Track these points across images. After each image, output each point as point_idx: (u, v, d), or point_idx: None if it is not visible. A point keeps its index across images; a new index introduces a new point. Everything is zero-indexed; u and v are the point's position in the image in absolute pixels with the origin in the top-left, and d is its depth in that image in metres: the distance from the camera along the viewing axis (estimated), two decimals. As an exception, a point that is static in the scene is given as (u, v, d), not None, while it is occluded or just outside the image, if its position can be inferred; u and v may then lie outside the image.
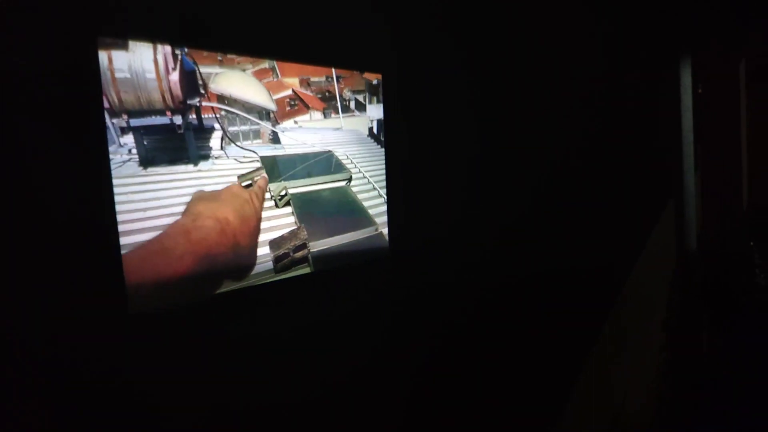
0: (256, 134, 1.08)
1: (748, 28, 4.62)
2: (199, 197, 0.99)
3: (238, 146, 1.04)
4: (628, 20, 2.92)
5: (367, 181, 1.33)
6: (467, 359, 1.80)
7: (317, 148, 1.21)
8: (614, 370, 2.74)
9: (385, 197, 1.40)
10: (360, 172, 1.31)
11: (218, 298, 1.06)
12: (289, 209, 1.16)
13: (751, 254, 4.48)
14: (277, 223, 1.14)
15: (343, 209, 1.29)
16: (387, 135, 1.41)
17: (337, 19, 1.32)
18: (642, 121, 3.17)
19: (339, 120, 1.25)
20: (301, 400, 1.29)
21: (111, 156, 0.82)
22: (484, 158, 1.90)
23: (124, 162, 0.85)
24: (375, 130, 1.35)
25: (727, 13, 4.37)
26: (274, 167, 1.12)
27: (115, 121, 0.83)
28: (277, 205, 1.14)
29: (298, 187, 1.17)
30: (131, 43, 0.83)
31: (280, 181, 1.12)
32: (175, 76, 0.93)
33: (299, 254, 1.17)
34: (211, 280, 1.05)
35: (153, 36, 0.88)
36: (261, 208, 1.13)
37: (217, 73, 1.00)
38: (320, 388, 1.33)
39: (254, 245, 1.12)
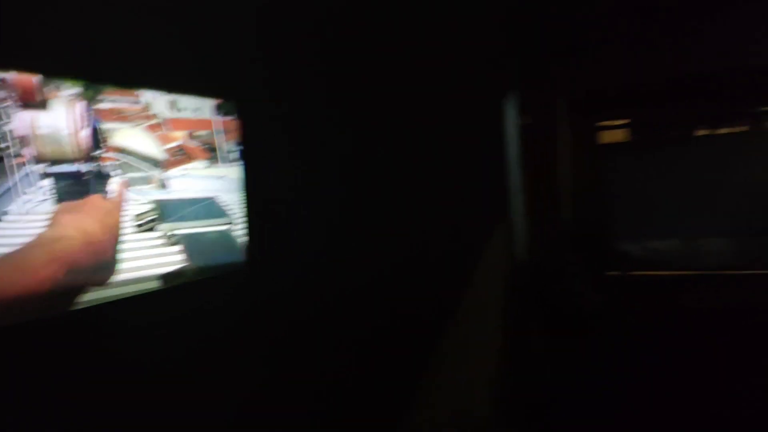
0: (147, 180, 1.22)
1: (568, 69, 5.34)
2: (63, 208, 1.10)
3: (131, 190, 1.19)
4: (459, 59, 3.33)
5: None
6: (316, 362, 2.00)
7: (200, 194, 1.37)
8: (458, 370, 3.07)
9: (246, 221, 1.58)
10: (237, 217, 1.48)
11: (77, 314, 1.16)
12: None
13: (570, 267, 5.16)
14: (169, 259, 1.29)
15: (223, 249, 1.45)
16: (243, 161, 1.59)
17: (194, 49, 1.48)
18: (475, 149, 3.61)
19: (223, 169, 1.43)
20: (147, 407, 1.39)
21: (30, 196, 0.95)
22: (331, 177, 2.12)
23: (42, 201, 0.97)
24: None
25: (548, 54, 5.04)
26: (161, 210, 1.27)
27: (35, 168, 0.96)
28: (140, 227, 1.27)
29: (181, 229, 1.32)
30: (49, 103, 0.97)
31: (167, 222, 1.28)
32: (84, 133, 1.10)
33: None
34: (74, 288, 1.15)
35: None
36: (120, 218, 1.25)
37: (116, 129, 1.16)
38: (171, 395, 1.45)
39: (115, 252, 1.24)
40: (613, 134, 7.75)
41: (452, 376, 3.00)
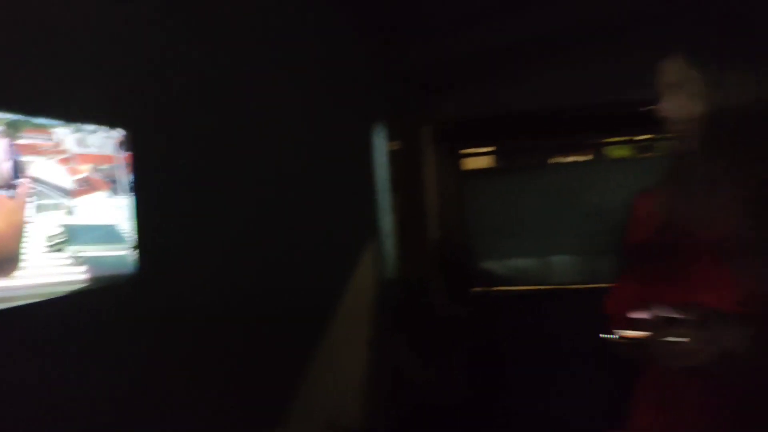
0: (57, 207, 1.44)
1: (434, 99, 5.75)
2: None
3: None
4: (330, 88, 3.55)
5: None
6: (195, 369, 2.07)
7: (102, 222, 1.52)
8: (327, 384, 3.22)
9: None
10: None
11: None
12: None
13: (436, 284, 5.51)
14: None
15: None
16: (136, 178, 1.70)
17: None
18: (346, 173, 3.84)
19: (123, 199, 1.58)
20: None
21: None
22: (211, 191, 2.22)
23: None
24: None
25: (416, 85, 5.40)
26: (69, 233, 1.46)
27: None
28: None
29: (86, 251, 1.46)
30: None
31: (73, 245, 1.40)
32: (6, 164, 1.30)
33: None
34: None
35: None
36: (23, 217, 1.35)
37: (32, 161, 1.39)
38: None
39: (18, 248, 1.33)
40: (477, 161, 8.34)
41: (322, 389, 3.15)
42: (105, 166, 1.56)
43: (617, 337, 1.09)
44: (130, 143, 1.67)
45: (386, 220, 4.61)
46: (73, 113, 1.49)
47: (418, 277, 5.05)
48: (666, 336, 1.01)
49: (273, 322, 2.59)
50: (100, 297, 1.58)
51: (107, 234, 1.57)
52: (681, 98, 1.22)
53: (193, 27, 2.13)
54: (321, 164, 3.32)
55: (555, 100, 5.93)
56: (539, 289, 7.71)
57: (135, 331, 1.73)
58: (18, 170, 1.32)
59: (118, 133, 1.64)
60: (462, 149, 7.80)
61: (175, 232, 1.95)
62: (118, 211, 1.62)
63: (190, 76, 2.11)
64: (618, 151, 7.97)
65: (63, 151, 1.44)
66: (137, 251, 1.67)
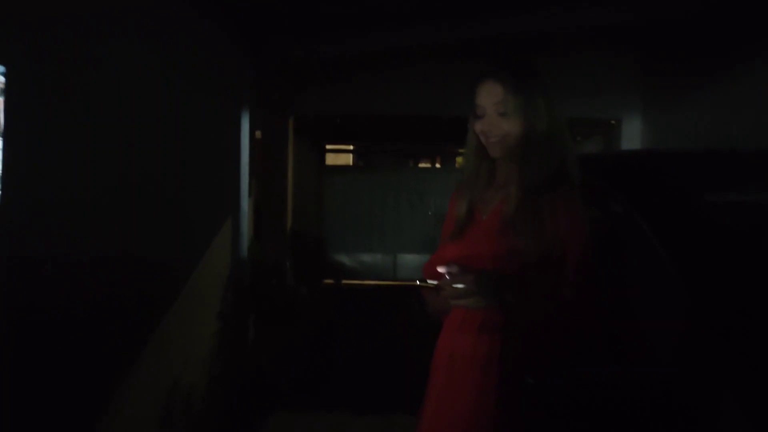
0: None
1: (296, 92, 6.02)
2: None
3: None
4: (200, 73, 3.73)
5: None
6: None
7: None
8: (174, 348, 3.39)
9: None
10: None
11: None
12: None
13: (286, 268, 5.79)
14: None
15: None
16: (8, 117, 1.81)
17: None
18: (212, 155, 4.03)
19: None
20: None
21: None
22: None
23: None
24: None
25: (281, 78, 5.65)
26: None
27: None
28: None
29: None
30: None
31: None
32: None
33: None
34: None
35: None
36: None
37: None
38: None
39: None
40: (337, 157, 8.74)
41: (169, 354, 3.29)
42: None
43: (424, 282, 1.45)
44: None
45: (244, 201, 4.82)
46: None
47: (272, 260, 5.29)
48: (452, 283, 1.39)
49: (126, 282, 2.71)
50: None
51: None
52: (488, 115, 1.52)
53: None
54: (188, 142, 3.49)
55: (410, 108, 6.40)
56: (384, 285, 8.24)
57: None
58: None
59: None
60: (323, 145, 8.18)
61: (39, 177, 2.03)
62: None
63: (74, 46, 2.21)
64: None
65: None
66: None
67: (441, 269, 1.40)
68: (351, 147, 8.99)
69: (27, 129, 1.97)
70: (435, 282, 1.42)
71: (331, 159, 8.66)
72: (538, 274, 1.47)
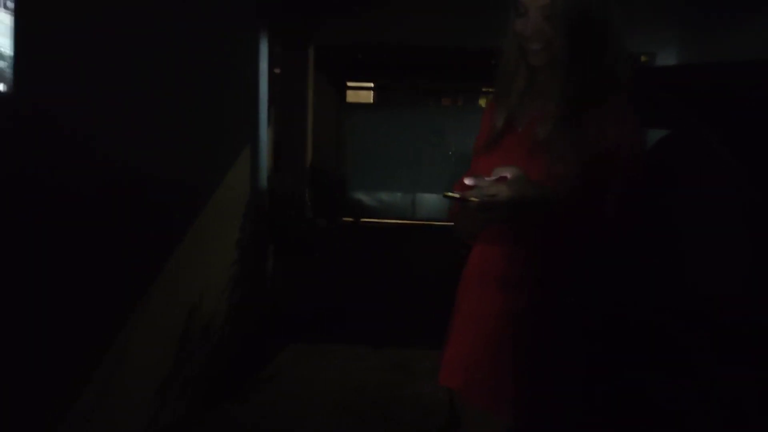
0: None
1: (316, 24, 5.82)
2: None
3: None
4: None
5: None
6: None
7: None
8: (192, 273, 3.37)
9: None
10: None
11: None
12: None
13: (305, 201, 5.73)
14: None
15: None
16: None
17: None
18: (231, 82, 3.92)
19: None
20: None
21: None
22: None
23: None
24: None
25: (301, 8, 5.45)
26: None
27: None
28: None
29: None
30: None
31: None
32: None
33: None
34: None
35: None
36: None
37: None
38: None
39: None
40: (357, 94, 8.54)
41: (188, 277, 3.28)
42: None
43: (453, 194, 1.26)
44: None
45: (263, 130, 4.72)
46: None
47: (291, 192, 5.23)
48: (482, 194, 1.22)
49: (145, 198, 2.66)
50: None
51: None
52: (532, 17, 1.34)
53: None
54: (207, 67, 3.38)
55: (433, 39, 6.14)
56: (404, 224, 8.17)
57: None
58: None
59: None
60: (344, 81, 7.97)
61: (57, 68, 1.96)
62: None
63: None
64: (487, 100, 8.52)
65: None
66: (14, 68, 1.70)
67: (469, 181, 1.25)
68: (371, 84, 8.76)
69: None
70: (463, 194, 1.25)
71: (351, 96, 8.47)
72: (579, 190, 1.32)
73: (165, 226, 2.98)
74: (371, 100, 9.12)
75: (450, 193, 1.29)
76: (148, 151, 2.70)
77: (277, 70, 5.35)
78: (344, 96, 8.23)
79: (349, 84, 8.31)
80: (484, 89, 8.44)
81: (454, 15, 5.78)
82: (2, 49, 1.70)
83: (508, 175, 1.24)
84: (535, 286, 1.39)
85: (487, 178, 1.25)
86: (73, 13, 2.08)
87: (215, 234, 3.68)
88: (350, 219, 7.32)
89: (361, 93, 8.89)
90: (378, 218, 8.02)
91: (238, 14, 4.07)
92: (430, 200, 8.05)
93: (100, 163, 2.28)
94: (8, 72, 1.73)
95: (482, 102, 8.74)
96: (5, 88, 1.73)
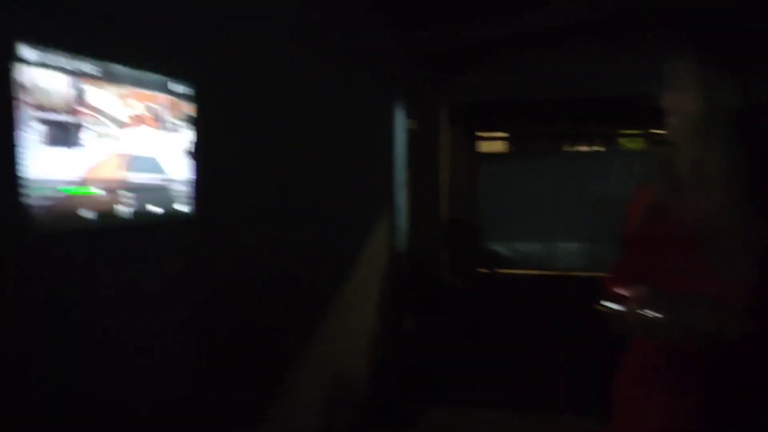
0: (110, 135, 1.61)
1: (450, 82, 5.91)
2: None
3: (93, 142, 1.53)
4: (355, 65, 3.75)
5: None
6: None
7: (148, 153, 1.78)
8: (336, 341, 3.46)
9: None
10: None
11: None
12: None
13: (442, 259, 5.73)
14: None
15: (161, 199, 1.82)
16: (197, 123, 1.94)
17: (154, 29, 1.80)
18: (365, 148, 4.06)
19: (166, 136, 1.82)
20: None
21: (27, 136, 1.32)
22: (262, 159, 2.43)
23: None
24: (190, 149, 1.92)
25: (434, 66, 5.57)
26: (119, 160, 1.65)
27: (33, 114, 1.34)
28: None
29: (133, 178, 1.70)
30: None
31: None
32: (70, 91, 1.45)
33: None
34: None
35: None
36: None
37: (92, 90, 1.52)
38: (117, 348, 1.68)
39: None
40: (491, 144, 8.50)
41: (333, 345, 3.38)
42: (155, 105, 1.72)
43: (607, 307, 1.19)
44: (195, 97, 1.93)
45: (401, 196, 4.83)
46: (150, 65, 1.73)
47: (427, 251, 5.26)
48: (643, 310, 1.11)
49: (292, 280, 2.80)
50: (157, 231, 1.81)
51: (152, 165, 1.73)
52: (682, 94, 1.25)
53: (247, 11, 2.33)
54: (345, 138, 3.54)
55: (568, 90, 6.01)
56: (543, 275, 7.89)
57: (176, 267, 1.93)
58: (80, 98, 1.44)
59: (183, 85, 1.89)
60: (477, 132, 7.98)
61: (222, 182, 2.16)
62: (161, 145, 1.77)
63: (247, 51, 2.32)
64: (630, 143, 8.09)
65: (120, 86, 1.59)
66: (193, 199, 1.91)
67: (626, 291, 1.15)
68: (504, 134, 8.68)
69: (210, 140, 2.08)
70: (619, 306, 1.17)
71: (484, 147, 8.44)
72: (757, 297, 1.12)
73: (313, 299, 3.11)
74: (505, 150, 9.03)
75: (605, 304, 1.20)
76: (292, 230, 2.86)
77: (411, 127, 5.48)
78: (478, 147, 8.23)
79: (482, 134, 8.30)
80: (622, 131, 8.10)
81: (586, 64, 5.63)
82: (181, 175, 1.90)
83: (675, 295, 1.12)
84: (702, 413, 1.21)
85: (646, 290, 1.13)
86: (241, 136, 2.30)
87: (357, 298, 3.77)
88: (487, 270, 7.22)
89: (494, 143, 8.84)
90: (515, 269, 7.82)
91: (371, 79, 4.24)
92: (569, 249, 7.73)
93: (271, 255, 2.46)
94: (189, 195, 1.93)
95: (627, 144, 8.34)
96: (189, 210, 1.93)
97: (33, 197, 1.33)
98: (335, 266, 3.46)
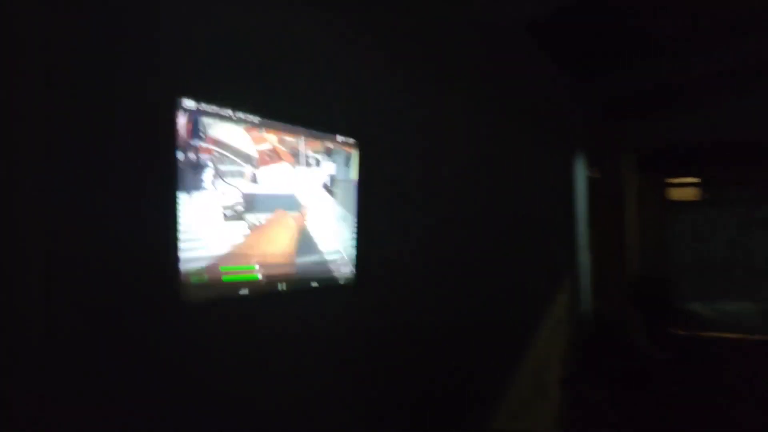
0: (240, 174, 1.50)
1: (636, 126, 5.44)
2: None
3: (224, 181, 1.43)
4: (531, 117, 3.53)
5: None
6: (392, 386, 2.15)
7: (284, 191, 1.64)
8: (518, 418, 3.17)
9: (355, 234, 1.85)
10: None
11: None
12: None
13: (634, 321, 5.15)
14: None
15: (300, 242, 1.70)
16: (359, 185, 1.86)
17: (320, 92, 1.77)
18: (545, 205, 3.78)
19: (304, 171, 1.71)
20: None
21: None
22: (434, 224, 2.32)
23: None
24: (328, 183, 1.80)
25: (617, 112, 5.16)
26: (251, 201, 1.52)
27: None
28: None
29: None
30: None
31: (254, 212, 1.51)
32: (185, 123, 1.34)
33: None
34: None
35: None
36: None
37: (215, 124, 1.43)
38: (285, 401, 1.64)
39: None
40: (682, 191, 7.71)
41: (512, 426, 3.09)
42: (290, 139, 1.61)
43: None
44: (359, 152, 1.86)
45: (584, 254, 4.44)
46: (313, 122, 1.70)
47: (615, 314, 4.76)
48: None
49: (464, 352, 2.61)
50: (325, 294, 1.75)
51: (288, 202, 1.62)
52: None
53: (417, 72, 2.27)
54: (519, 193, 3.31)
55: (763, 131, 5.28)
56: (753, 339, 6.86)
57: (344, 329, 1.84)
58: (198, 131, 1.34)
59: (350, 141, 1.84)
60: (665, 179, 7.28)
61: (386, 243, 2.06)
62: (297, 182, 1.67)
63: (411, 106, 2.24)
64: None
65: (250, 119, 1.49)
66: (355, 264, 1.82)
67: None
68: (697, 179, 7.88)
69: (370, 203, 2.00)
70: None
71: (675, 193, 7.70)
72: None
73: (495, 370, 2.88)
74: (697, 197, 8.19)
75: None
76: (480, 298, 2.68)
77: (592, 175, 5.08)
78: (668, 194, 7.51)
79: (671, 181, 7.58)
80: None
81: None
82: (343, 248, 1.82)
83: None
84: None
85: None
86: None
87: (537, 371, 3.45)
88: (685, 332, 6.43)
89: (686, 189, 8.06)
90: (721, 332, 6.89)
91: (551, 132, 3.98)
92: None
93: (441, 324, 2.31)
94: (350, 263, 1.84)
95: None
96: (351, 275, 1.84)
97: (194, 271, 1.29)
98: (511, 336, 3.19)
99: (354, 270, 1.86)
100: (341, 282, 1.83)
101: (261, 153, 1.54)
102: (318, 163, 1.76)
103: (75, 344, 1.14)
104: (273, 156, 1.58)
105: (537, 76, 3.72)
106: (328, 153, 1.81)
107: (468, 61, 2.73)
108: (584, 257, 4.48)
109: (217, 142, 1.40)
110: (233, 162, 1.46)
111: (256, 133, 1.53)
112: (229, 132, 1.44)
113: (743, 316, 7.14)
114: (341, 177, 1.84)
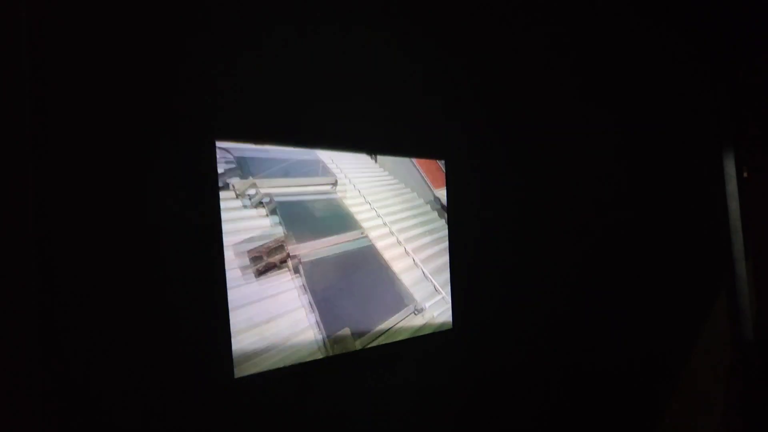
0: None
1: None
2: None
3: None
4: (671, 110, 3.07)
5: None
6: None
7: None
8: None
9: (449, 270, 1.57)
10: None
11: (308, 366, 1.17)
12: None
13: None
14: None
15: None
16: (450, 214, 1.58)
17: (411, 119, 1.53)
18: (688, 211, 3.25)
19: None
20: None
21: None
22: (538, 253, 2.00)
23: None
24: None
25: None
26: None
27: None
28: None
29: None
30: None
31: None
32: None
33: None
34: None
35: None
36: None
37: None
38: None
39: None
40: None
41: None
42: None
43: None
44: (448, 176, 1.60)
45: (740, 265, 3.82)
46: (402, 148, 1.48)
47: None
48: None
49: (609, 385, 2.25)
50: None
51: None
52: None
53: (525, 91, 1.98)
54: (665, 206, 2.87)
55: None
56: None
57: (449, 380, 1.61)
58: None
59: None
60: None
61: (489, 280, 1.79)
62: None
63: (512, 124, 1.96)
64: None
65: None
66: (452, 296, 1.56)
67: None
68: None
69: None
70: None
71: None
72: None
73: (643, 406, 2.47)
74: None
75: None
76: (620, 325, 2.31)
77: (745, 174, 4.42)
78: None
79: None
80: None
81: None
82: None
83: None
84: None
85: None
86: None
87: (692, 406, 2.95)
88: None
89: None
90: None
91: (700, 130, 3.46)
92: None
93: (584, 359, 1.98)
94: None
95: None
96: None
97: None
98: (660, 368, 2.74)
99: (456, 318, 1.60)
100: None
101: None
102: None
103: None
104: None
105: (678, 67, 3.24)
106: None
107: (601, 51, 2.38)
108: (741, 269, 3.85)
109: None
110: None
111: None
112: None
113: None
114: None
